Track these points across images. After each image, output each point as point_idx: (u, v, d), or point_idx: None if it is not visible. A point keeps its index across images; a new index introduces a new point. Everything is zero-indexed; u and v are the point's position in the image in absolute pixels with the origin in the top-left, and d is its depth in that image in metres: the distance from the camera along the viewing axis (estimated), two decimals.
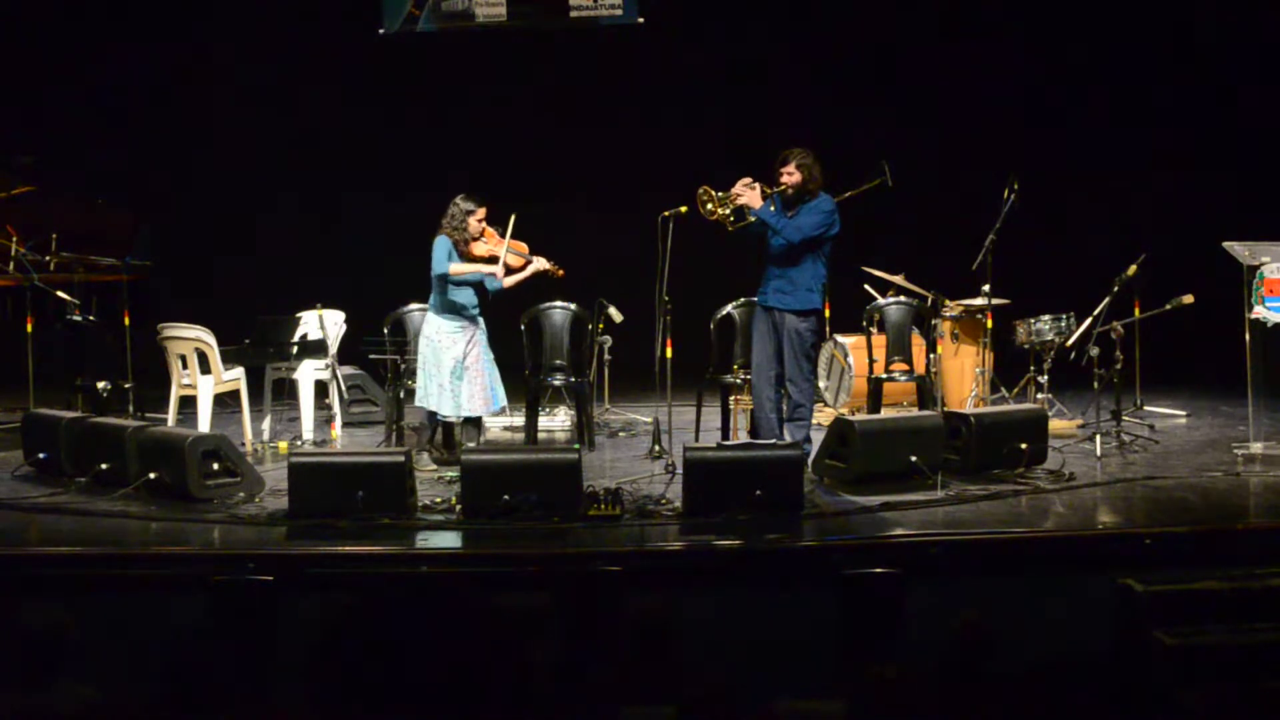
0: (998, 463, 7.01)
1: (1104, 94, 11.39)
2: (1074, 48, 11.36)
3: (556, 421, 8.96)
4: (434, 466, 7.41)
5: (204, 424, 7.94)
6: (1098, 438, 7.58)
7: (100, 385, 8.54)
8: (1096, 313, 8.12)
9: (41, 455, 7.34)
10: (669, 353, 7.51)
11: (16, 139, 10.30)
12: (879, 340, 8.55)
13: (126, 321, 8.89)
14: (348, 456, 6.84)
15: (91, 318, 8.86)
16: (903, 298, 8.82)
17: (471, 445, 7.27)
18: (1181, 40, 11.07)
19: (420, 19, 11.71)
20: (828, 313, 8.40)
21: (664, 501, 6.45)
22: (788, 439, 6.95)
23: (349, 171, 11.63)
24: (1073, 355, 8.29)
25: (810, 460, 6.93)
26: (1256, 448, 7.36)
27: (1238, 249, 7.38)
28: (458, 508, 6.30)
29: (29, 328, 8.50)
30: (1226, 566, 5.56)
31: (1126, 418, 8.34)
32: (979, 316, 8.73)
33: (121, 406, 8.65)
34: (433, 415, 7.52)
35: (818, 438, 7.26)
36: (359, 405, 9.36)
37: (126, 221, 9.82)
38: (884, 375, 8.41)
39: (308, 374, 8.40)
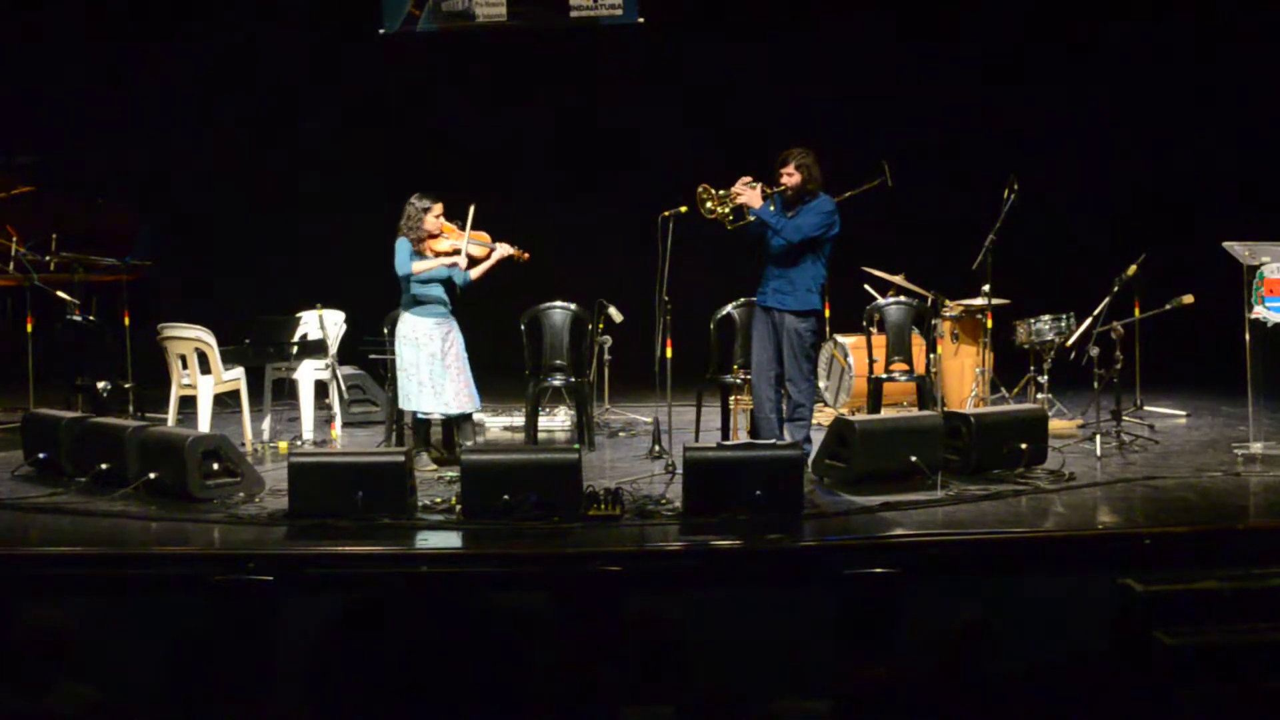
0: (998, 463, 7.01)
1: (1104, 94, 11.39)
2: (1074, 48, 11.36)
3: (556, 421, 8.96)
4: (434, 466, 7.41)
5: (204, 424, 7.94)
6: (1098, 438, 7.58)
7: (100, 385, 8.54)
8: (1096, 313, 8.12)
9: (41, 455, 7.34)
10: (669, 353, 7.51)
11: (16, 139, 10.31)
12: (879, 340, 8.55)
13: (126, 321, 8.90)
14: (348, 456, 6.84)
15: (91, 318, 8.87)
16: (903, 298, 8.82)
17: (471, 445, 7.28)
18: (1182, 40, 11.07)
19: (420, 19, 11.71)
20: (828, 313, 8.41)
21: (664, 501, 6.45)
22: (788, 439, 6.95)
23: (349, 171, 11.63)
24: (1073, 355, 8.29)
25: (810, 460, 6.93)
26: (1256, 448, 7.37)
27: (1238, 249, 7.39)
28: (458, 508, 6.30)
29: (29, 328, 8.50)
30: (1226, 566, 5.55)
31: (1126, 418, 8.34)
32: (979, 316, 8.73)
33: (121, 406, 8.66)
34: (418, 417, 7.52)
35: (818, 438, 7.26)
36: (359, 405, 9.36)
37: (126, 221, 9.83)
38: (884, 375, 8.41)
39: (308, 374, 8.40)
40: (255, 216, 11.69)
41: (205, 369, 8.05)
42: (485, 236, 7.60)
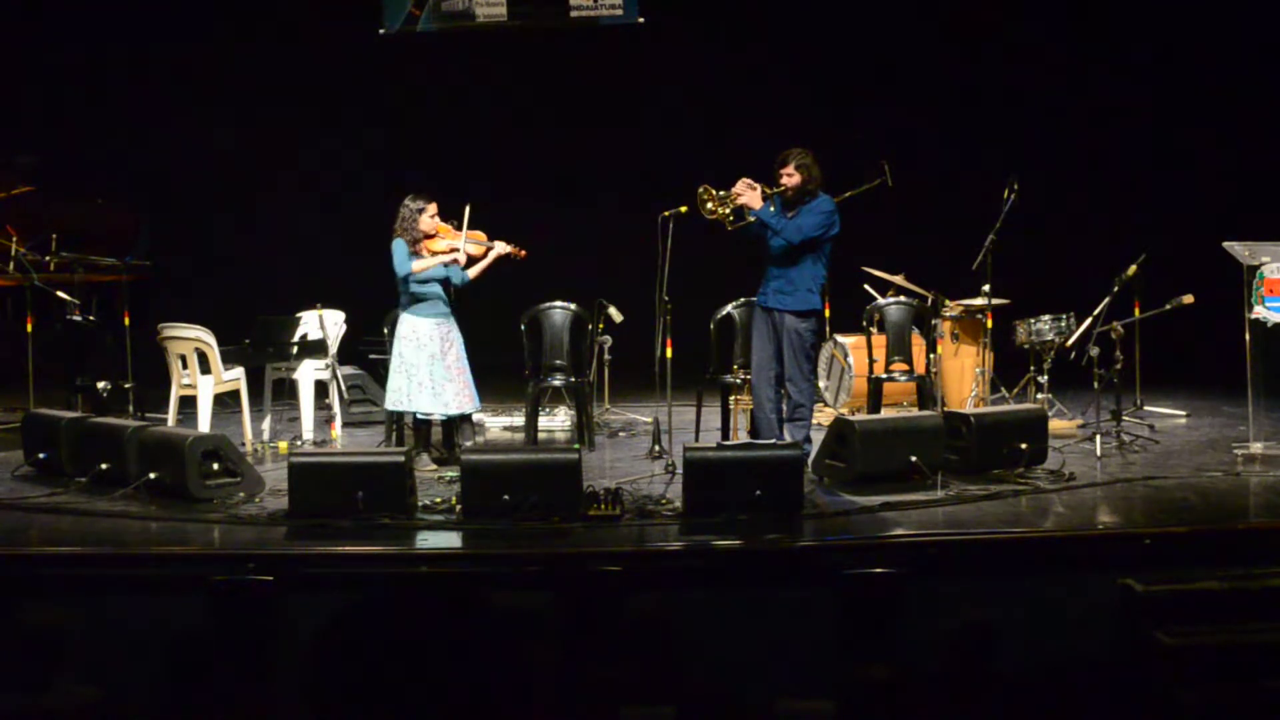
0: (998, 463, 7.00)
1: (1104, 94, 11.38)
2: (1074, 47, 11.36)
3: (556, 421, 8.96)
4: (434, 466, 7.40)
5: (204, 424, 7.93)
6: (1098, 438, 7.57)
7: (100, 385, 8.54)
8: (1096, 313, 8.12)
9: (41, 455, 7.34)
10: (669, 353, 7.51)
11: (16, 139, 10.30)
12: (879, 340, 8.55)
13: (126, 321, 8.89)
14: (348, 456, 6.84)
15: (91, 318, 8.86)
16: (903, 298, 8.82)
17: (471, 445, 7.27)
18: (1181, 40, 11.07)
19: (420, 19, 11.71)
20: (828, 313, 8.41)
21: (664, 501, 6.45)
22: (788, 439, 6.95)
23: (349, 171, 11.62)
24: (1073, 355, 8.29)
25: (810, 460, 6.93)
26: (1256, 448, 7.36)
27: (1238, 249, 7.38)
28: (458, 508, 6.30)
29: (29, 328, 8.50)
30: (1226, 566, 5.55)
31: (1126, 418, 8.34)
32: (979, 316, 8.73)
33: (121, 406, 8.65)
34: (417, 418, 7.52)
35: (818, 438, 7.26)
36: (359, 405, 9.35)
37: (126, 221, 9.82)
38: (884, 375, 8.41)
39: (308, 374, 8.40)
40: (255, 216, 11.69)
41: (205, 369, 8.05)
42: (482, 235, 7.60)
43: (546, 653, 4.33)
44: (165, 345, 8.14)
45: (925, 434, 6.94)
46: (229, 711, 3.84)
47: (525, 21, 11.61)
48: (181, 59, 11.52)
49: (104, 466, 6.88)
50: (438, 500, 6.53)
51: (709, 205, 7.09)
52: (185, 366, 8.08)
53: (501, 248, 7.57)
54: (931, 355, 8.62)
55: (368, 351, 8.78)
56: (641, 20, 11.50)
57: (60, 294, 8.63)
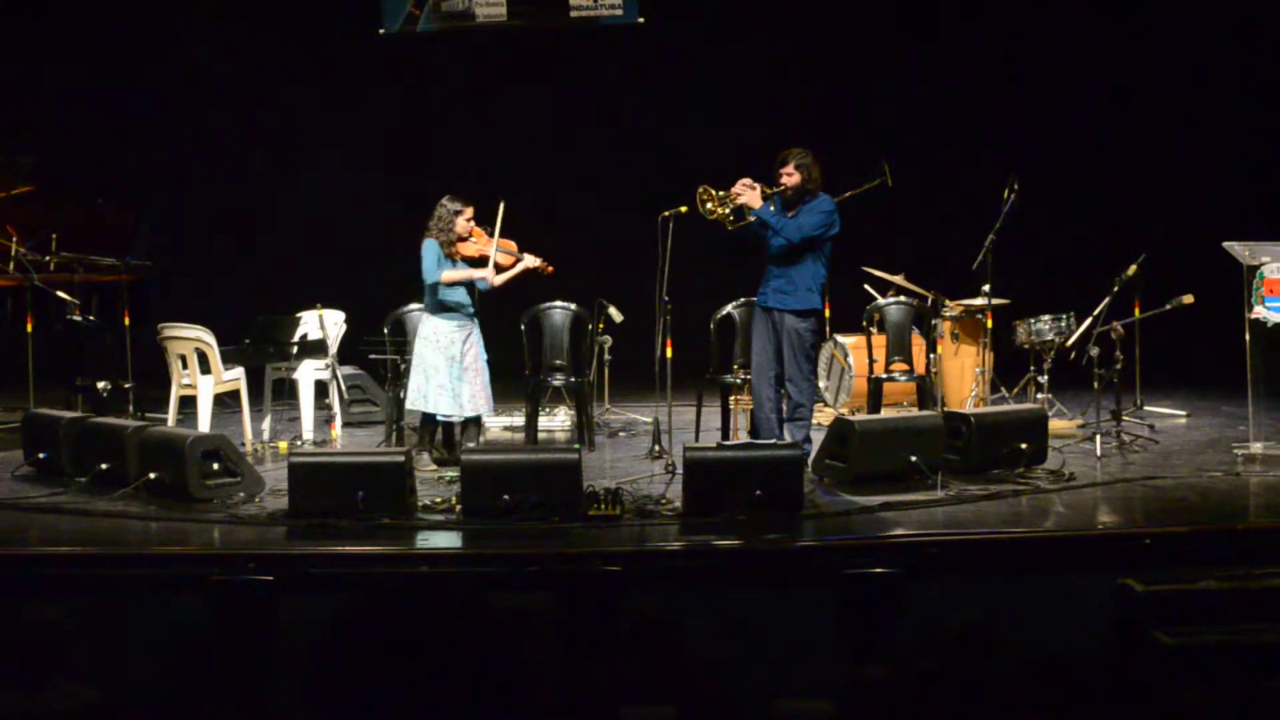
0: (998, 463, 7.01)
1: (1104, 93, 11.38)
2: (1074, 47, 11.36)
3: (556, 421, 8.96)
4: (434, 466, 7.41)
5: (204, 424, 7.94)
6: (1098, 438, 7.58)
7: (100, 385, 8.54)
8: (1096, 313, 8.13)
9: (41, 455, 7.34)
10: (669, 353, 7.51)
11: (16, 139, 10.30)
12: (879, 340, 8.55)
13: (126, 321, 8.89)
14: (348, 456, 6.85)
15: (91, 318, 8.86)
16: (903, 298, 8.82)
17: (471, 445, 7.27)
18: (1181, 40, 11.07)
19: (420, 19, 11.71)
20: (828, 313, 8.41)
21: (664, 501, 6.45)
22: (788, 439, 6.95)
23: (349, 171, 11.62)
24: (1073, 355, 8.29)
25: (810, 460, 6.93)
26: (1256, 448, 7.36)
27: (1238, 249, 7.38)
28: (458, 508, 6.30)
29: (29, 328, 8.50)
30: (1226, 566, 5.55)
31: (1126, 418, 8.34)
32: (979, 316, 8.73)
33: (121, 406, 8.65)
34: (430, 417, 7.51)
35: (818, 438, 7.26)
36: (359, 405, 9.36)
37: (127, 221, 9.82)
38: (884, 375, 8.41)
39: (308, 374, 8.40)
40: (255, 216, 11.69)
41: (205, 369, 8.05)
42: (513, 245, 7.58)
43: (546, 653, 4.33)
44: (165, 345, 8.14)
45: (925, 434, 6.94)
46: (229, 711, 3.84)
47: (525, 21, 11.62)
48: (182, 58, 11.52)
49: (104, 466, 6.88)
50: (438, 500, 6.53)
51: (709, 205, 7.09)
52: (185, 366, 8.08)
53: (530, 261, 7.54)
54: (931, 355, 8.62)
55: (368, 351, 8.78)
56: (641, 20, 11.50)
57: (60, 294, 8.64)
